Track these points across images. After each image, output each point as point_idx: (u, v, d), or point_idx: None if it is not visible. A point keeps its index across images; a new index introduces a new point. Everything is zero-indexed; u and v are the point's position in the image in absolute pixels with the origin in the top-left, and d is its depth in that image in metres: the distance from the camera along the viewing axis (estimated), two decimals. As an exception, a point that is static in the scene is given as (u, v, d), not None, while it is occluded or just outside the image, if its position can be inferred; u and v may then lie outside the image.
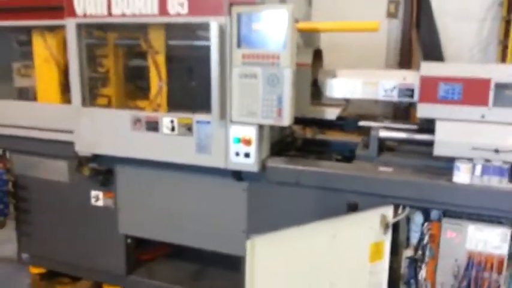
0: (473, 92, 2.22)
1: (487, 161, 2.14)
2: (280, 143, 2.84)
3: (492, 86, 2.19)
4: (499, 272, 2.21)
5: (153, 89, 2.70)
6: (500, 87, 2.18)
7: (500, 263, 2.20)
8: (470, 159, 2.17)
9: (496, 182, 2.11)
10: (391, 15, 5.92)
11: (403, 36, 5.88)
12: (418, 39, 5.87)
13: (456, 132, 2.24)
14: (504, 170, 2.11)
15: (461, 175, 2.15)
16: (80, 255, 3.05)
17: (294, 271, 2.02)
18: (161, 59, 2.65)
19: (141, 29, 2.62)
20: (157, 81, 2.67)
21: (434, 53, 5.72)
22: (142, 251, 3.13)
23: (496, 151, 2.17)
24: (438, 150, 2.27)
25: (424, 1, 5.70)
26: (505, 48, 5.00)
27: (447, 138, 2.25)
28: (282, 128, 2.84)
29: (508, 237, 2.18)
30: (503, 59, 5.06)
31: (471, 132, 2.22)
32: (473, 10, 5.49)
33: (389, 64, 5.97)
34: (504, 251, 2.19)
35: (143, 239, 2.96)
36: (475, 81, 2.22)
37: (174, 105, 2.65)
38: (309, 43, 2.95)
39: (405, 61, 5.90)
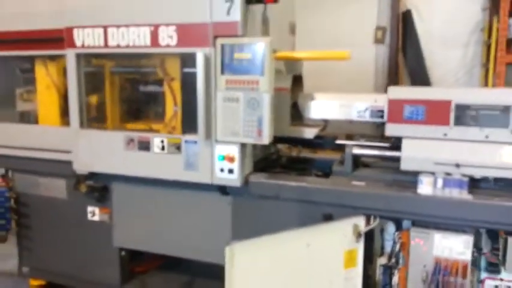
0: (436, 112, 2.47)
1: (448, 174, 2.38)
2: (265, 161, 3.07)
3: (453, 107, 2.45)
4: (464, 276, 2.42)
5: (169, 113, 2.89)
6: (460, 108, 2.43)
7: (465, 268, 2.41)
8: (433, 173, 2.40)
9: (456, 193, 2.34)
10: (378, 41, 6.28)
11: (390, 61, 6.21)
12: (405, 63, 6.20)
13: (420, 148, 2.48)
14: (463, 183, 2.34)
15: (424, 187, 2.38)
16: (77, 267, 3.26)
17: (271, 276, 2.22)
18: (177, 85, 2.83)
19: (157, 58, 2.83)
20: (173, 106, 2.88)
21: (420, 76, 6.05)
22: (136, 264, 3.33)
23: (457, 165, 2.41)
24: (404, 165, 2.51)
25: (409, 28, 6.06)
26: (487, 71, 5.30)
27: (412, 154, 2.49)
28: (266, 147, 3.08)
29: (471, 244, 2.40)
30: (486, 81, 5.36)
31: (434, 149, 2.46)
32: (457, 36, 5.82)
33: (378, 87, 6.30)
34: (467, 256, 2.41)
35: (136, 251, 3.17)
36: (437, 103, 2.47)
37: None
38: (291, 69, 3.19)
39: (393, 84, 6.17)
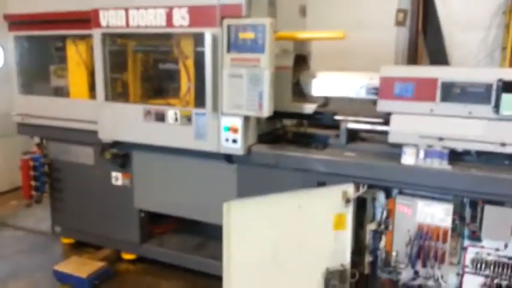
0: (424, 89, 2.68)
1: (430, 146, 2.60)
2: (271, 135, 3.37)
3: (439, 84, 2.65)
4: (444, 241, 2.65)
5: (183, 88, 3.23)
6: (446, 85, 2.64)
7: (445, 233, 2.65)
8: (416, 145, 2.63)
9: (437, 163, 2.57)
10: (399, 23, 6.40)
11: (410, 43, 6.32)
12: (425, 46, 6.29)
13: (407, 123, 2.71)
14: (444, 154, 2.56)
15: (407, 158, 2.62)
16: (102, 227, 3.69)
17: (263, 232, 2.55)
18: (190, 63, 3.14)
19: (174, 38, 3.16)
20: (187, 82, 3.23)
21: (439, 58, 6.15)
22: (155, 226, 3.72)
23: (440, 139, 2.62)
24: (392, 138, 2.75)
25: (430, 11, 6.15)
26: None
27: (399, 128, 2.72)
28: (272, 122, 3.39)
29: (451, 212, 2.63)
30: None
31: (420, 124, 2.68)
32: (479, 19, 5.88)
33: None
34: (448, 223, 2.64)
35: (156, 214, 3.56)
36: (425, 81, 2.68)
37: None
38: (298, 49, 3.42)
39: (413, 64, 6.32)
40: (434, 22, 6.20)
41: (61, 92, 3.90)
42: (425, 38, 6.32)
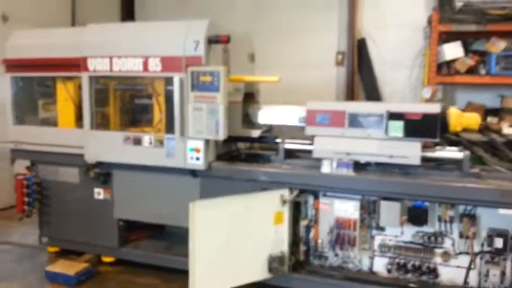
0: (336, 119, 3.78)
1: (340, 159, 3.68)
2: (228, 154, 4.35)
3: (347, 115, 3.76)
4: (354, 229, 3.69)
5: (156, 118, 4.15)
6: (352, 115, 3.74)
7: (354, 223, 3.69)
8: (331, 159, 3.70)
9: (345, 171, 3.64)
10: (338, 63, 7.77)
11: (348, 80, 7.66)
12: (361, 83, 7.65)
13: (326, 143, 3.78)
14: (349, 164, 3.64)
15: (324, 168, 3.68)
16: (85, 235, 4.48)
17: (220, 226, 3.49)
18: (162, 99, 4.09)
19: (148, 80, 4.13)
20: (159, 114, 4.14)
21: (373, 93, 7.50)
22: (131, 233, 4.56)
23: (348, 154, 3.70)
24: (315, 154, 3.80)
25: (364, 53, 7.53)
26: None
27: (320, 147, 3.79)
28: (228, 145, 4.38)
29: (358, 207, 3.68)
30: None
31: (335, 143, 3.76)
32: (404, 60, 7.29)
33: (339, 101, 7.68)
34: (356, 216, 3.69)
35: (131, 223, 4.42)
36: (337, 112, 3.78)
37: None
38: (248, 88, 4.45)
39: (351, 99, 7.66)
40: (367, 62, 7.59)
41: (47, 122, 4.75)
42: (361, 76, 7.68)
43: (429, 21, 6.53)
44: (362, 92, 7.68)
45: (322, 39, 7.73)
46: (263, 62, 7.12)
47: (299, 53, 7.78)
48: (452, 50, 6.30)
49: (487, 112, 6.51)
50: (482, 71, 6.14)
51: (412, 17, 7.03)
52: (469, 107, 6.59)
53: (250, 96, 4.42)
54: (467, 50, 6.43)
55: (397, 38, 7.30)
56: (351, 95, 7.64)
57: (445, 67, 6.36)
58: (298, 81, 7.68)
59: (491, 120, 6.33)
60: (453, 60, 6.28)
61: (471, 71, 6.22)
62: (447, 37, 6.52)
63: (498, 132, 4.21)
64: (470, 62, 6.22)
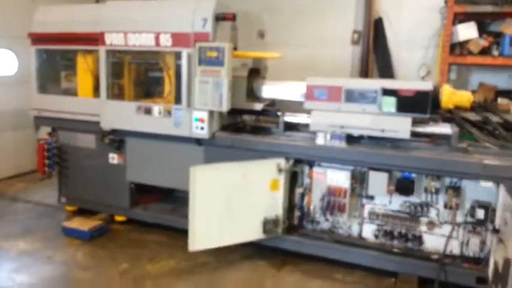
0: (333, 94, 4.11)
1: (333, 132, 4.02)
2: (233, 126, 4.75)
3: (343, 90, 4.08)
4: (345, 197, 4.06)
5: (167, 90, 4.60)
6: (348, 91, 4.07)
7: (345, 192, 4.05)
8: (325, 131, 4.05)
9: (337, 143, 3.99)
10: (354, 42, 8.01)
11: (362, 59, 7.89)
12: (376, 62, 7.88)
13: (322, 117, 4.12)
14: (342, 137, 3.98)
15: (319, 139, 4.04)
16: (100, 196, 5.01)
17: (219, 189, 3.92)
18: (172, 72, 4.52)
19: (160, 54, 4.54)
20: (169, 86, 4.59)
21: (387, 73, 7.74)
22: (141, 197, 5.06)
23: (342, 127, 4.04)
24: (312, 127, 4.16)
25: (380, 32, 7.73)
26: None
27: (316, 120, 4.13)
28: (234, 117, 4.78)
29: (349, 177, 4.04)
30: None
31: (331, 117, 4.09)
32: (420, 40, 7.46)
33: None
34: (347, 185, 4.04)
35: (142, 185, 4.91)
36: (334, 88, 4.11)
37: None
38: (255, 64, 4.82)
39: (364, 78, 7.91)
40: (383, 42, 7.79)
41: (68, 92, 5.25)
42: (376, 56, 7.89)
43: (446, 2, 6.67)
44: (376, 71, 7.90)
45: (339, 17, 7.94)
46: (281, 39, 7.49)
47: (316, 31, 8.04)
48: (466, 31, 6.46)
49: (498, 93, 6.67)
50: (495, 52, 6.28)
51: (430, -2, 7.17)
52: (481, 88, 6.78)
53: (256, 72, 4.77)
54: (483, 31, 6.57)
55: (414, 18, 7.45)
56: (365, 74, 7.87)
57: (458, 47, 6.53)
58: (314, 59, 7.98)
59: (502, 101, 6.50)
60: (467, 41, 6.44)
61: (485, 52, 6.37)
62: (464, 18, 6.66)
63: (493, 111, 4.45)
64: (484, 43, 6.36)
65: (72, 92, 5.17)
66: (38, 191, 6.03)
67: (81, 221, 4.80)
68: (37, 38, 5.04)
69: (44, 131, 5.36)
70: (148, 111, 4.53)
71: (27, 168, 6.77)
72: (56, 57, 5.24)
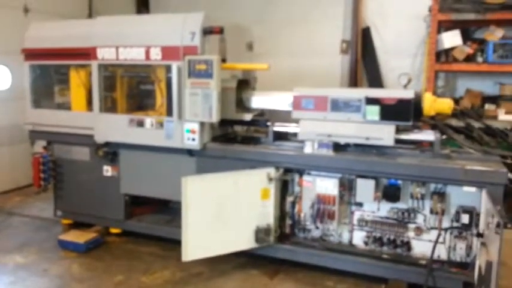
0: (319, 103, 4.21)
1: (321, 140, 4.11)
2: (224, 137, 4.84)
3: (329, 100, 4.18)
4: (334, 204, 4.13)
5: (158, 102, 4.67)
6: (334, 101, 4.17)
7: (334, 199, 4.13)
8: (313, 140, 4.14)
9: (325, 152, 4.08)
10: (343, 52, 8.14)
11: (351, 68, 8.02)
12: (364, 71, 8.01)
13: (309, 126, 4.22)
14: (329, 145, 4.08)
15: (307, 148, 4.13)
16: (95, 209, 5.07)
17: (210, 199, 3.99)
18: (163, 85, 4.59)
19: (151, 67, 4.62)
20: (161, 98, 4.67)
21: (376, 81, 7.86)
22: (135, 208, 5.12)
23: (329, 136, 4.14)
24: (300, 136, 4.25)
25: (368, 41, 7.87)
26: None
27: (304, 129, 4.23)
28: (224, 128, 4.87)
29: (337, 184, 4.12)
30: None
31: (318, 126, 4.19)
32: (407, 48, 7.60)
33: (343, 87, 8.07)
34: (335, 192, 4.12)
35: (136, 198, 4.98)
36: (320, 98, 4.21)
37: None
38: (245, 76, 4.92)
39: (354, 86, 8.05)
40: (371, 51, 7.92)
41: (62, 106, 5.33)
42: (364, 64, 8.03)
43: (430, 10, 6.81)
44: (365, 80, 8.03)
45: (327, 27, 8.08)
46: (270, 49, 7.60)
47: (305, 41, 8.17)
48: (451, 39, 6.60)
49: (485, 99, 6.81)
50: (480, 59, 6.42)
51: (415, 6, 7.30)
52: (468, 94, 6.91)
53: (245, 83, 4.87)
54: (468, 39, 6.72)
55: (399, 27, 7.61)
56: (354, 83, 8.00)
57: (443, 55, 6.66)
58: (304, 69, 8.11)
59: (489, 107, 6.64)
60: (452, 49, 6.58)
61: (469, 59, 6.50)
62: (449, 26, 6.81)
63: (475, 117, 4.55)
64: (469, 50, 6.50)
65: (66, 106, 5.25)
66: (34, 205, 6.10)
67: (77, 234, 4.86)
68: (30, 54, 5.12)
69: (40, 145, 5.42)
70: (140, 123, 4.61)
71: (23, 183, 6.83)
72: (49, 72, 5.32)
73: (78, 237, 4.77)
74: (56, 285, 4.10)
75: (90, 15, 8.18)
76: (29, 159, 5.71)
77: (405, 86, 4.09)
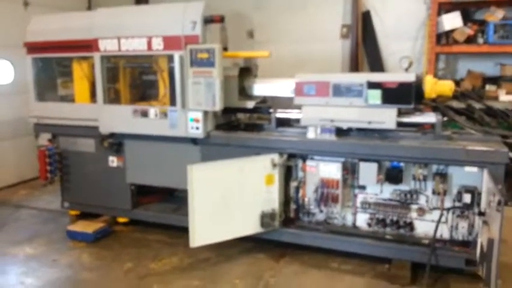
0: (321, 89, 4.27)
1: (323, 125, 4.18)
2: (227, 125, 4.90)
3: (331, 85, 4.24)
4: (337, 188, 4.22)
5: (161, 92, 4.73)
6: (336, 86, 4.22)
7: (337, 183, 4.21)
8: (316, 125, 4.21)
9: (327, 136, 4.15)
10: (344, 36, 8.18)
11: (352, 52, 8.05)
12: (365, 55, 8.03)
13: (312, 111, 4.28)
14: (332, 130, 4.15)
15: (310, 133, 4.20)
16: (101, 199, 5.16)
17: (216, 186, 4.08)
18: (166, 75, 4.64)
19: (153, 58, 4.66)
20: (164, 88, 4.73)
21: (377, 65, 7.88)
22: (141, 198, 5.22)
23: (332, 121, 4.20)
24: (303, 122, 4.32)
25: (368, 25, 7.88)
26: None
27: (307, 115, 4.29)
28: (228, 116, 4.93)
29: (341, 168, 4.19)
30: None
31: (320, 111, 4.25)
32: (407, 31, 7.62)
33: (344, 72, 8.13)
34: (339, 176, 4.20)
35: (142, 187, 5.06)
36: (322, 83, 4.27)
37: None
38: (246, 63, 4.97)
39: (355, 71, 8.08)
40: (372, 35, 7.94)
41: (65, 98, 5.39)
42: (365, 49, 8.04)
43: (430, -8, 6.82)
44: (366, 64, 8.06)
45: (328, 12, 8.09)
46: (271, 36, 7.63)
47: (306, 27, 8.19)
48: (451, 20, 6.62)
49: (486, 80, 6.84)
50: (480, 40, 6.45)
51: (415, -12, 7.31)
52: (469, 76, 6.95)
53: (247, 70, 4.92)
54: (468, 20, 6.74)
55: (399, 10, 7.62)
56: (355, 67, 8.03)
57: (444, 37, 6.69)
58: (305, 54, 8.14)
59: (490, 88, 6.68)
60: (452, 30, 6.60)
61: (470, 40, 6.53)
62: (449, 7, 6.83)
63: (475, 98, 4.61)
64: (469, 31, 6.52)
65: (69, 99, 5.30)
66: (41, 197, 6.20)
67: (85, 224, 4.96)
68: (32, 47, 5.17)
69: (44, 138, 5.50)
70: (144, 113, 4.67)
71: (29, 176, 6.93)
72: (52, 65, 5.37)
73: (86, 227, 4.87)
74: (66, 274, 4.21)
75: (89, 8, 8.19)
76: (33, 152, 5.81)
77: (406, 70, 4.13)
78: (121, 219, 5.19)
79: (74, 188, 5.34)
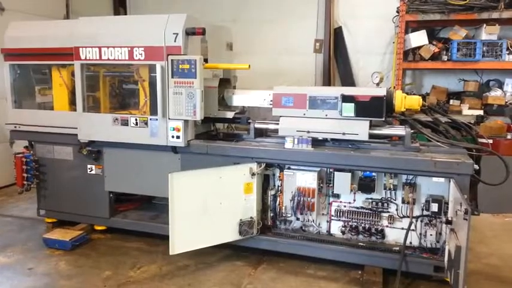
0: (299, 101, 4.35)
1: (301, 136, 4.26)
2: (207, 134, 4.92)
3: (308, 98, 4.33)
4: (313, 196, 4.29)
5: (142, 101, 4.68)
6: (312, 98, 4.31)
7: (313, 191, 4.28)
8: (293, 136, 4.28)
9: (304, 147, 4.23)
10: (317, 50, 8.33)
11: (325, 67, 8.22)
12: (337, 69, 8.22)
13: (289, 122, 4.35)
14: (308, 140, 4.22)
15: (287, 144, 4.26)
16: (79, 207, 5.06)
17: (196, 194, 4.08)
18: (146, 84, 4.61)
19: (134, 67, 4.63)
20: (144, 97, 4.69)
21: (348, 79, 8.06)
22: (119, 205, 5.15)
23: (308, 131, 4.28)
24: (281, 132, 4.39)
25: (340, 41, 8.06)
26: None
27: (285, 126, 4.36)
28: (207, 125, 4.95)
29: (316, 177, 4.27)
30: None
31: (297, 123, 4.33)
32: (376, 47, 7.85)
33: (318, 85, 8.29)
34: (314, 185, 4.28)
35: (120, 195, 5.00)
36: (299, 95, 4.35)
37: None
38: (226, 75, 5.01)
39: (328, 84, 8.23)
40: (343, 50, 8.14)
41: (43, 106, 5.28)
42: (337, 63, 8.24)
43: (398, 11, 7.07)
44: (338, 78, 8.25)
45: (302, 27, 8.27)
46: (248, 48, 7.72)
47: (282, 40, 8.34)
48: (418, 38, 6.89)
49: (449, 95, 7.13)
50: (445, 57, 6.73)
51: (384, 7, 7.56)
52: (434, 91, 7.22)
53: (227, 81, 4.96)
54: (433, 38, 7.03)
55: (369, 27, 7.88)
56: (328, 81, 8.21)
57: (411, 54, 6.94)
58: (281, 67, 8.28)
59: (454, 102, 6.95)
60: (419, 48, 6.86)
61: (435, 57, 6.81)
62: (416, 26, 7.10)
63: (441, 112, 4.80)
64: (434, 49, 6.80)
65: (47, 106, 5.20)
66: (16, 205, 6.03)
67: (62, 232, 4.84)
68: (10, 54, 5.05)
69: (19, 145, 5.36)
70: (125, 122, 4.63)
71: (3, 183, 6.70)
72: (30, 71, 5.26)
73: (64, 235, 4.76)
74: (43, 283, 4.09)
75: (67, 15, 8.07)
76: (8, 159, 5.64)
77: (378, 84, 4.27)
78: (99, 227, 5.10)
79: (50, 196, 5.22)
